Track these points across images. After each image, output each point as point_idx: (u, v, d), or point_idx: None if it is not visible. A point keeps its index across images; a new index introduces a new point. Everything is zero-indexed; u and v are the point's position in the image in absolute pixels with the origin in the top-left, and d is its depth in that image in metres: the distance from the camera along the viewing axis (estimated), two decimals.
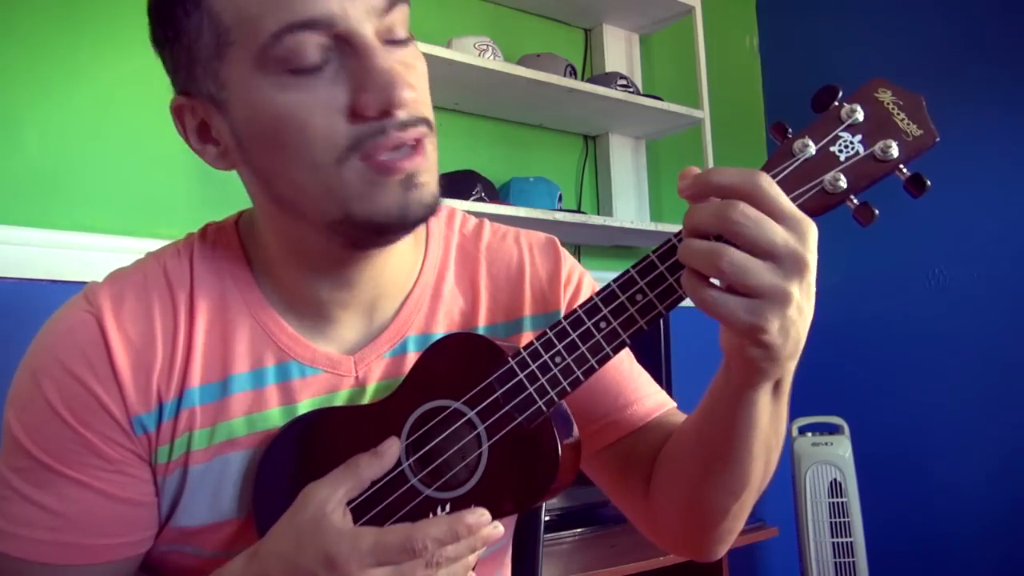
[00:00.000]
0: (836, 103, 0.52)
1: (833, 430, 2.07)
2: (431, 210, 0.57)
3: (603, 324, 0.53)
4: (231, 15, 0.53)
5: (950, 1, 2.13)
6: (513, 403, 0.55)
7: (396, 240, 0.60)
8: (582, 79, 2.04)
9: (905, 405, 2.16)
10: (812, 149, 0.51)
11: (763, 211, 0.47)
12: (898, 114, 0.52)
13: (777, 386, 0.57)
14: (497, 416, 0.56)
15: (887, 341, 2.22)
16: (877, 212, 0.50)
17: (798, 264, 0.47)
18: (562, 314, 0.70)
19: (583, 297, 0.71)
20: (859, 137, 0.51)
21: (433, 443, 0.57)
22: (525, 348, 0.56)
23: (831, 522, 1.98)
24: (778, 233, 0.47)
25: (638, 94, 2.03)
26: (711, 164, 2.13)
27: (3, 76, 1.37)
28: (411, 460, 0.57)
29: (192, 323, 0.61)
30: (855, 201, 0.51)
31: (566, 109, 1.99)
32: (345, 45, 0.53)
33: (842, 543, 1.97)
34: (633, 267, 0.53)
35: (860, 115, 0.52)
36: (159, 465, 0.60)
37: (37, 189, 1.38)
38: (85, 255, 1.39)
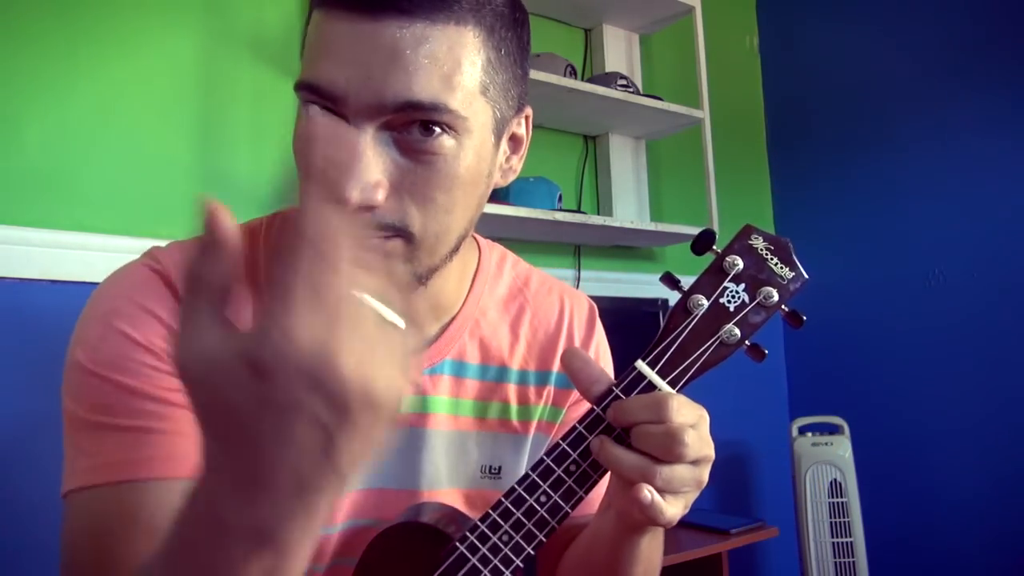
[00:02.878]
0: (718, 252, 0.58)
1: (833, 430, 2.07)
2: None
3: (543, 499, 0.56)
4: (308, 40, 0.56)
5: (950, 1, 2.13)
6: None
7: None
8: (582, 79, 2.04)
9: (905, 405, 2.16)
10: (705, 305, 0.57)
11: (675, 424, 0.53)
12: (771, 259, 0.58)
13: (656, 531, 0.62)
14: None
15: (887, 341, 2.22)
16: (767, 352, 0.58)
17: (708, 459, 0.54)
18: None
19: None
20: (743, 286, 0.57)
21: None
22: (471, 531, 0.56)
23: (831, 522, 1.98)
24: (696, 446, 0.53)
25: (638, 94, 2.03)
26: (711, 164, 2.13)
27: (3, 76, 1.37)
28: None
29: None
30: (747, 344, 0.58)
31: (566, 109, 1.99)
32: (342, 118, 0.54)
33: (842, 543, 1.97)
34: (562, 439, 0.56)
35: (740, 265, 0.57)
36: None
37: (37, 189, 1.38)
38: (85, 255, 1.39)
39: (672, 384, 0.57)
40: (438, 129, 0.53)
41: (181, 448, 0.55)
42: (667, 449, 0.52)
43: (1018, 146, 1.96)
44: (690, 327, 0.57)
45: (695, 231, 2.13)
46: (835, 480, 1.99)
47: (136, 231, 1.45)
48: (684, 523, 1.52)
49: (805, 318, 0.57)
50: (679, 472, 0.53)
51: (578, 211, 2.03)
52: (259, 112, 1.62)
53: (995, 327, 1.98)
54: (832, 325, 2.37)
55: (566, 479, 0.56)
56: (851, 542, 1.97)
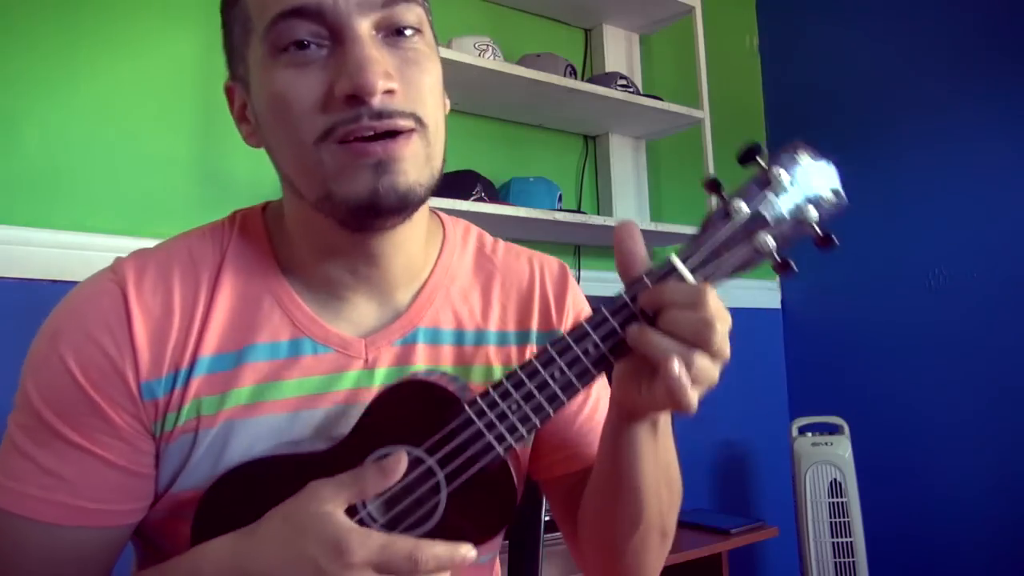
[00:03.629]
0: (763, 164, 0.58)
1: (833, 430, 2.07)
2: (407, 200, 0.58)
3: (558, 374, 0.57)
4: (253, 4, 0.59)
5: (950, 1, 2.13)
6: (472, 450, 0.57)
7: (383, 226, 0.61)
8: (582, 79, 2.04)
9: (905, 405, 2.16)
10: (745, 211, 0.57)
11: (708, 313, 0.54)
12: (815, 179, 0.60)
13: (655, 426, 0.63)
14: (456, 463, 0.58)
15: (887, 341, 2.21)
16: (796, 269, 0.58)
17: (725, 359, 0.56)
18: None
19: None
20: (783, 198, 0.58)
21: (395, 490, 0.58)
22: (482, 396, 0.57)
23: (831, 522, 1.98)
24: (723, 339, 0.54)
25: (638, 94, 2.03)
26: (711, 164, 2.13)
27: (3, 76, 1.37)
28: (369, 508, 0.58)
29: (212, 299, 0.64)
30: (777, 258, 0.58)
31: (566, 109, 1.99)
32: (336, 34, 0.57)
33: (842, 543, 1.97)
34: (586, 321, 0.57)
35: (784, 179, 0.58)
36: (164, 432, 0.61)
37: (37, 189, 1.38)
38: (85, 255, 1.39)
39: (701, 281, 0.57)
40: (409, 31, 0.59)
41: (81, 502, 0.59)
42: (699, 334, 0.53)
43: (1019, 147, 1.96)
44: (727, 231, 0.57)
45: (695, 232, 2.13)
46: (835, 480, 1.99)
47: (136, 231, 1.45)
48: (684, 523, 1.52)
49: (838, 243, 0.58)
50: (703, 362, 0.54)
51: (578, 211, 2.03)
52: None
53: (996, 327, 1.98)
54: (832, 325, 2.37)
55: (583, 359, 0.56)
56: (851, 542, 1.97)
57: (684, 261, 0.57)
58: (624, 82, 2.03)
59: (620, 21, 2.22)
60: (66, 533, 0.60)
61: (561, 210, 1.89)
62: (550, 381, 0.57)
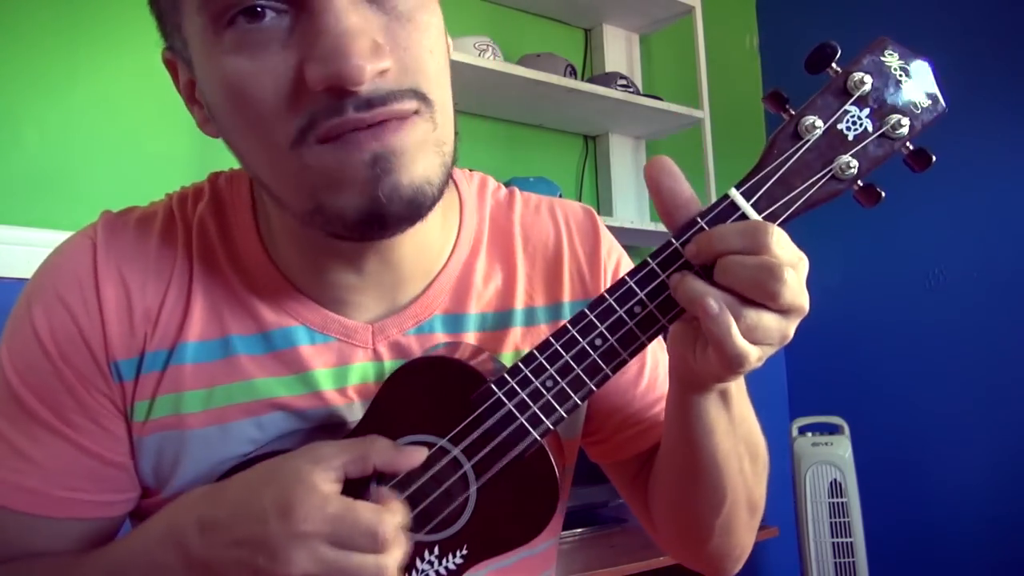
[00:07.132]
0: (837, 67, 0.46)
1: (833, 430, 2.07)
2: (417, 202, 0.46)
3: (599, 342, 0.48)
4: None
5: (950, 1, 2.13)
6: (503, 436, 0.49)
7: (391, 235, 0.49)
8: (582, 79, 2.04)
9: (905, 405, 2.16)
10: (820, 130, 0.46)
11: (770, 257, 0.44)
12: (906, 81, 0.47)
13: (724, 394, 0.54)
14: (486, 452, 0.50)
15: (887, 341, 2.21)
16: (884, 194, 0.47)
17: (801, 311, 0.46)
18: None
19: None
20: (867, 111, 0.46)
21: (416, 485, 0.51)
22: (511, 373, 0.49)
23: (831, 522, 1.98)
24: (793, 289, 0.44)
25: (638, 94, 2.03)
26: (711, 164, 2.13)
27: (3, 76, 1.37)
28: None
29: (191, 273, 0.56)
30: (860, 184, 0.47)
31: (566, 109, 1.99)
32: None
33: (842, 543, 1.97)
34: (630, 276, 0.48)
35: (868, 86, 0.46)
36: (135, 423, 0.54)
37: (37, 189, 1.38)
38: None
39: (770, 220, 0.46)
40: None
41: (55, 490, 0.53)
42: (760, 284, 0.43)
43: (1018, 147, 1.96)
44: (799, 155, 0.46)
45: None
46: (835, 480, 1.98)
47: None
48: None
49: (935, 158, 0.47)
50: (766, 320, 0.44)
51: None
52: None
53: (995, 327, 1.98)
54: (832, 325, 2.36)
55: (627, 321, 0.47)
56: (851, 542, 1.96)
57: (745, 195, 0.47)
58: (624, 82, 2.03)
59: (620, 21, 2.22)
60: (39, 524, 0.53)
61: None
62: (590, 350, 0.47)
